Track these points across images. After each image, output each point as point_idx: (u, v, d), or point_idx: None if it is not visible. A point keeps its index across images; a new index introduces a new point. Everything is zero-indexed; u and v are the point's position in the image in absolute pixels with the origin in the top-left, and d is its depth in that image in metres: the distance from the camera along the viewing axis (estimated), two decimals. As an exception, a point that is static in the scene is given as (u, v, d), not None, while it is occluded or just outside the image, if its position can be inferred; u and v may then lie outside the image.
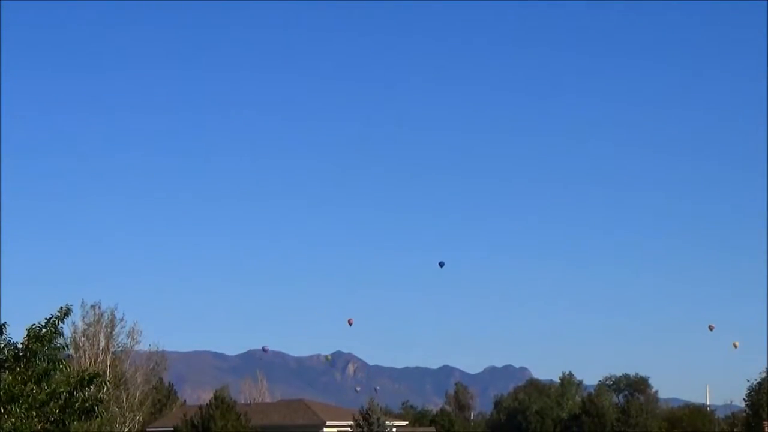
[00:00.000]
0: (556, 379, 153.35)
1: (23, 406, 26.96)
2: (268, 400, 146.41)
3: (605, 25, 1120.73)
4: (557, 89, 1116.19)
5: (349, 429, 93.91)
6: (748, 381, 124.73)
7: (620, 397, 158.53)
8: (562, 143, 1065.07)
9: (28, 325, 28.03)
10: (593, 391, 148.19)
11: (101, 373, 29.58)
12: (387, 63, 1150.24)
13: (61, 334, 28.48)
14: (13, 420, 26.65)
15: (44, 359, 27.63)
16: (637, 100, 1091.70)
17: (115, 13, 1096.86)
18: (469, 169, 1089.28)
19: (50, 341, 27.91)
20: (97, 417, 27.97)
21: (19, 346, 27.92)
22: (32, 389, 27.25)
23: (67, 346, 29.13)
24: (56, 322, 28.08)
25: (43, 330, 27.89)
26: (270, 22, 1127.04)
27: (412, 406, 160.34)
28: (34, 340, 27.70)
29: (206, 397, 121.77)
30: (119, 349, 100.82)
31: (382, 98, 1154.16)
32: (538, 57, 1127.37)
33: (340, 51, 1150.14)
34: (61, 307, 28.31)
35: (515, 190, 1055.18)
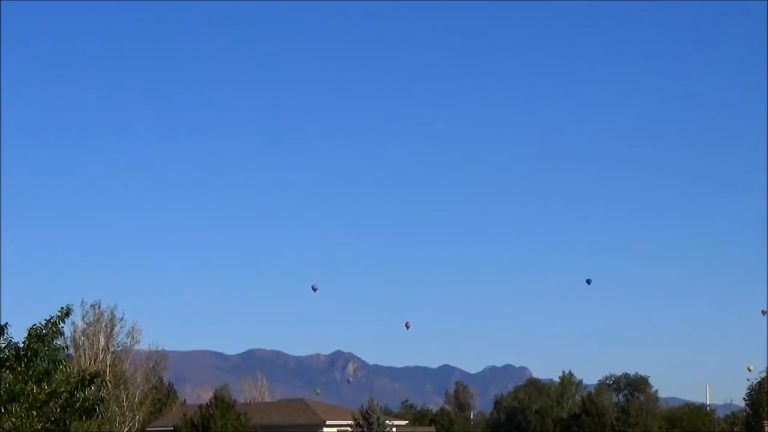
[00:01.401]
0: (556, 379, 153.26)
1: (24, 406, 26.94)
2: (268, 399, 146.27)
3: (607, 24, 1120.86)
4: (558, 87, 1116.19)
5: (348, 428, 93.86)
6: (748, 380, 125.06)
7: (620, 396, 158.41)
8: (564, 141, 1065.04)
9: (29, 325, 28.06)
10: (593, 391, 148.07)
11: (102, 372, 29.52)
12: (390, 60, 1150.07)
13: (62, 334, 28.45)
14: (14, 420, 26.63)
15: (45, 359, 27.61)
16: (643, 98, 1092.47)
17: (117, 11, 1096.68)
18: (470, 167, 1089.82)
19: (51, 341, 27.89)
20: (97, 416, 27.93)
21: (20, 345, 27.92)
22: (33, 389, 27.23)
23: (67, 346, 29.15)
24: (57, 322, 28.08)
25: (44, 330, 27.89)
26: (273, 20, 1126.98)
27: (411, 406, 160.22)
28: (35, 340, 27.69)
29: (206, 396, 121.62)
30: (119, 348, 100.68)
31: (381, 95, 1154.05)
32: (539, 55, 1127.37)
33: (341, 49, 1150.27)
34: (62, 308, 28.31)
35: (514, 188, 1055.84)
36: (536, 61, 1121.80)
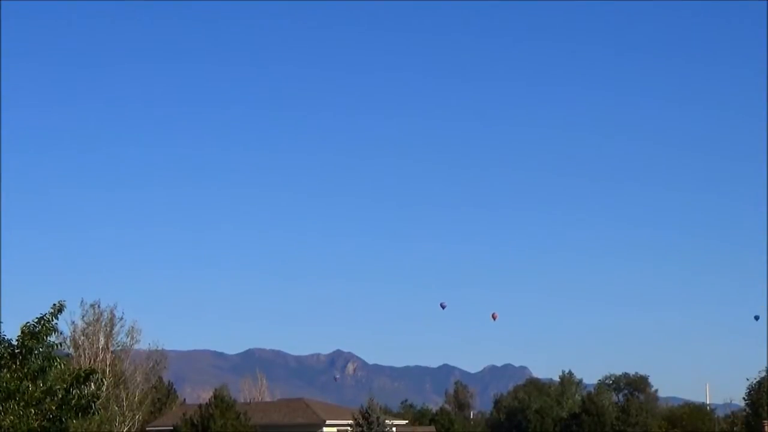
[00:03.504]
0: (556, 378, 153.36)
1: (20, 404, 26.90)
2: (267, 399, 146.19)
3: (609, 23, 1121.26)
4: (558, 84, 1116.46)
5: (348, 428, 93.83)
6: (747, 380, 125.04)
7: (620, 396, 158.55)
8: (563, 139, 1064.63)
9: (23, 323, 27.98)
10: (593, 390, 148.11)
11: (97, 370, 29.43)
12: (392, 58, 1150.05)
13: (56, 331, 28.34)
14: (11, 418, 26.61)
15: (39, 356, 27.53)
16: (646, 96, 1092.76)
17: (116, 10, 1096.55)
18: (469, 164, 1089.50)
19: (45, 338, 27.81)
20: (93, 414, 27.87)
21: (14, 343, 27.86)
22: (28, 386, 27.20)
23: (62, 344, 29.13)
24: (50, 318, 28.00)
25: (38, 327, 27.83)
26: (276, 18, 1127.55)
27: (411, 405, 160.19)
28: (28, 337, 27.63)
29: (206, 396, 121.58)
30: (119, 348, 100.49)
31: (383, 93, 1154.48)
32: (541, 54, 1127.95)
33: (340, 48, 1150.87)
34: (54, 304, 28.26)
35: (514, 185, 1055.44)
36: (538, 59, 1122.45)
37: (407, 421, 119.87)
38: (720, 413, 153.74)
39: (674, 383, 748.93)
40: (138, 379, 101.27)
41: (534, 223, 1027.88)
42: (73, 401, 27.47)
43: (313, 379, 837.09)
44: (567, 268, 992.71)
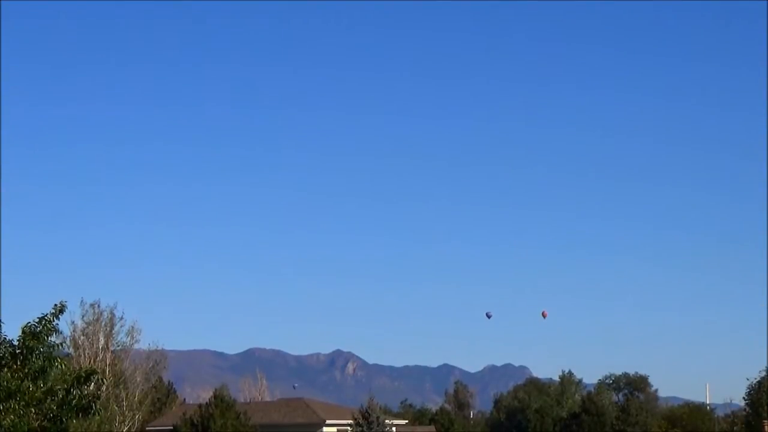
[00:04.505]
0: (556, 378, 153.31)
1: (21, 403, 26.96)
2: (267, 398, 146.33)
3: (613, 22, 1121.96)
4: (556, 83, 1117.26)
5: (348, 428, 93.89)
6: (747, 380, 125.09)
7: (620, 395, 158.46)
8: (563, 136, 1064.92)
9: (24, 323, 28.04)
10: (593, 390, 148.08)
11: (98, 370, 29.51)
12: (392, 58, 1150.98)
13: (57, 331, 28.38)
14: (11, 417, 26.66)
15: (40, 357, 27.59)
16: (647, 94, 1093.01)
17: (117, 9, 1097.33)
18: (466, 163, 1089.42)
19: (46, 338, 27.87)
20: (94, 414, 27.92)
21: (15, 343, 27.92)
22: (29, 386, 27.26)
23: (63, 344, 29.23)
24: (51, 319, 28.06)
25: (39, 327, 27.89)
26: (275, 18, 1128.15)
27: (411, 405, 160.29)
28: (29, 337, 27.68)
29: (206, 395, 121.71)
30: (119, 347, 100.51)
31: (385, 92, 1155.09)
32: (543, 52, 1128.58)
33: (340, 46, 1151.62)
34: (56, 304, 28.30)
35: (512, 184, 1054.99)
36: (539, 57, 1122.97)
37: (407, 421, 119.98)
38: (720, 413, 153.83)
39: (674, 383, 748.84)
40: (138, 378, 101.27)
41: (534, 223, 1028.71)
42: (74, 401, 27.53)
43: (313, 379, 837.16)
44: (567, 267, 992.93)
